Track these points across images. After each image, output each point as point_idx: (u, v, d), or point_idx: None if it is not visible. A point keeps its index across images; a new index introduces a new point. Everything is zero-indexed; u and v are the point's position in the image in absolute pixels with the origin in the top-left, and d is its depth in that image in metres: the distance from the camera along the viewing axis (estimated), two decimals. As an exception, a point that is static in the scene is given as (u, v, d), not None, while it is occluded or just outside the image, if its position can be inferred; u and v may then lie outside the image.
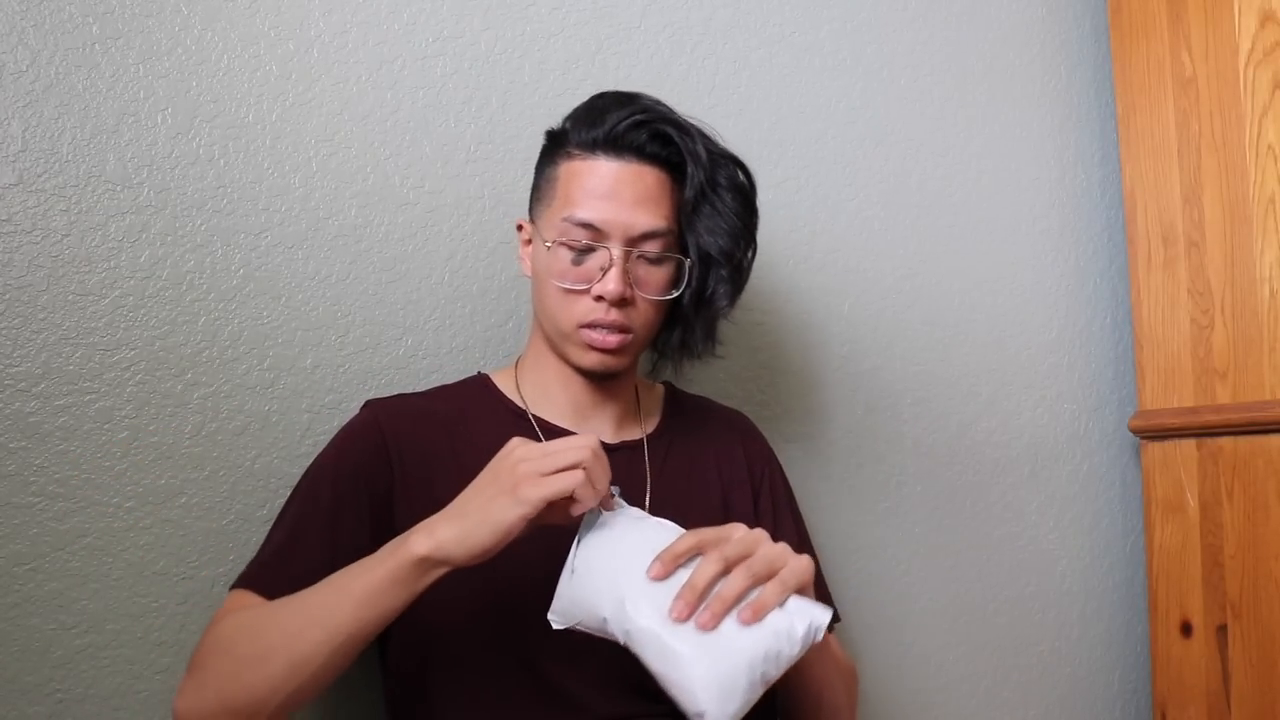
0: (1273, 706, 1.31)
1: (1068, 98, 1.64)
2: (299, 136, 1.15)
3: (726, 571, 0.81)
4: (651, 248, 1.00)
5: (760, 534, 0.84)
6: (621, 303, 0.99)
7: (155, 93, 1.09)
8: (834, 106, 1.46)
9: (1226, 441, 1.39)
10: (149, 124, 1.09)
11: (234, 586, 0.96)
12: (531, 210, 1.07)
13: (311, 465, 1.02)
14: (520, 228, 1.10)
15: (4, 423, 1.01)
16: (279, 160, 1.14)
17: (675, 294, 1.02)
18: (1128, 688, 1.57)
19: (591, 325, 1.00)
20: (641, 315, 1.01)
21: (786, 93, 1.43)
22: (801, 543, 1.17)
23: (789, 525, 1.16)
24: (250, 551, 1.08)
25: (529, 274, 1.07)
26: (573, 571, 0.84)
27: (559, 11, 1.30)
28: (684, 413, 1.16)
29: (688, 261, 1.01)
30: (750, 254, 1.05)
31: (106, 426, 1.04)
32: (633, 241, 0.99)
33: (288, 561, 0.95)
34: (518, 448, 0.84)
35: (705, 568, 0.80)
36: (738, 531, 0.84)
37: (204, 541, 1.07)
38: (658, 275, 1.01)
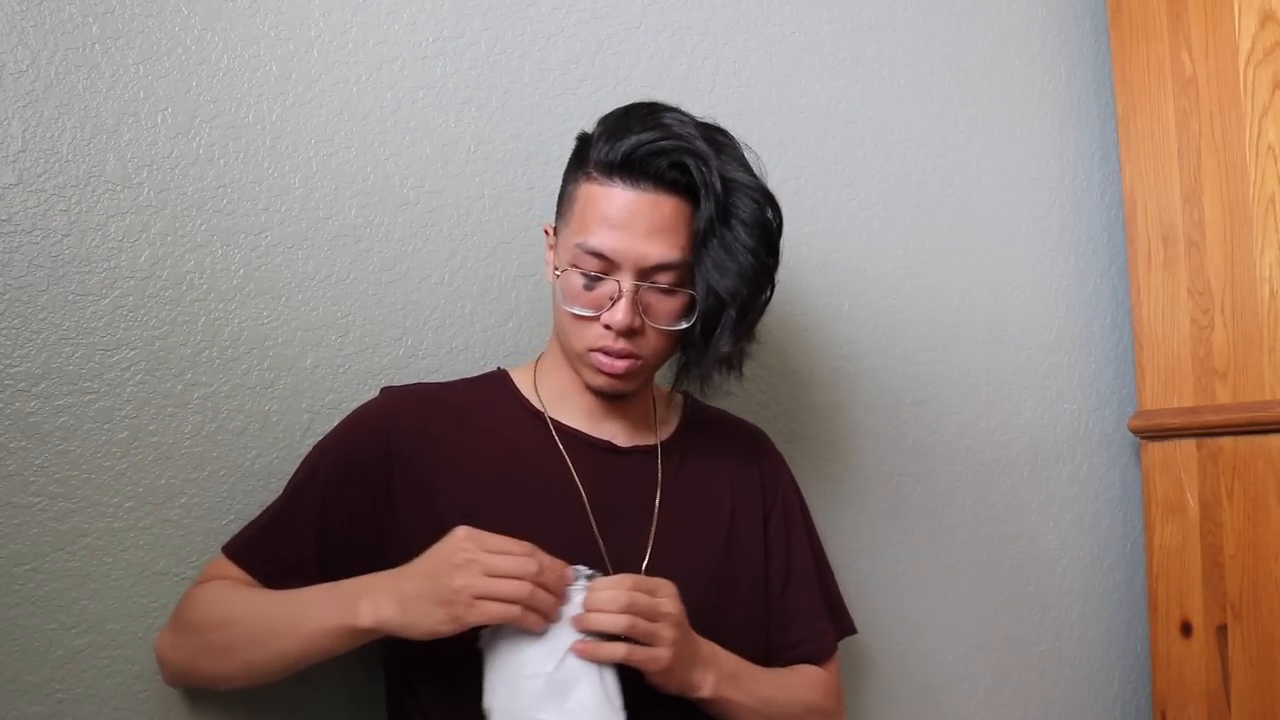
0: (1273, 706, 1.31)
1: (1068, 98, 1.64)
2: (299, 136, 1.15)
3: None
4: (663, 279, 0.98)
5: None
6: (630, 332, 0.98)
7: (155, 93, 1.09)
8: (834, 106, 1.46)
9: (1226, 441, 1.39)
10: (149, 124, 1.09)
11: (225, 550, 1.02)
12: (556, 219, 1.06)
13: (318, 445, 1.05)
14: (547, 233, 1.08)
15: (4, 423, 1.01)
16: (279, 160, 1.14)
17: (685, 325, 1.00)
18: (1128, 688, 1.57)
19: (601, 350, 1.00)
20: (651, 344, 1.01)
21: (786, 93, 1.43)
22: (816, 562, 1.17)
23: (803, 547, 1.16)
24: (250, 551, 1.08)
25: (552, 280, 1.05)
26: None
27: (559, 11, 1.30)
28: (702, 424, 1.15)
29: (697, 296, 0.98)
30: (764, 296, 1.01)
31: (106, 426, 1.04)
32: (644, 273, 0.97)
33: (275, 543, 1.00)
34: (461, 549, 0.86)
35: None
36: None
37: (204, 541, 1.07)
38: (669, 305, 0.99)
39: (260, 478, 1.10)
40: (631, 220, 0.96)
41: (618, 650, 0.88)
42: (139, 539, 1.04)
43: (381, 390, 1.08)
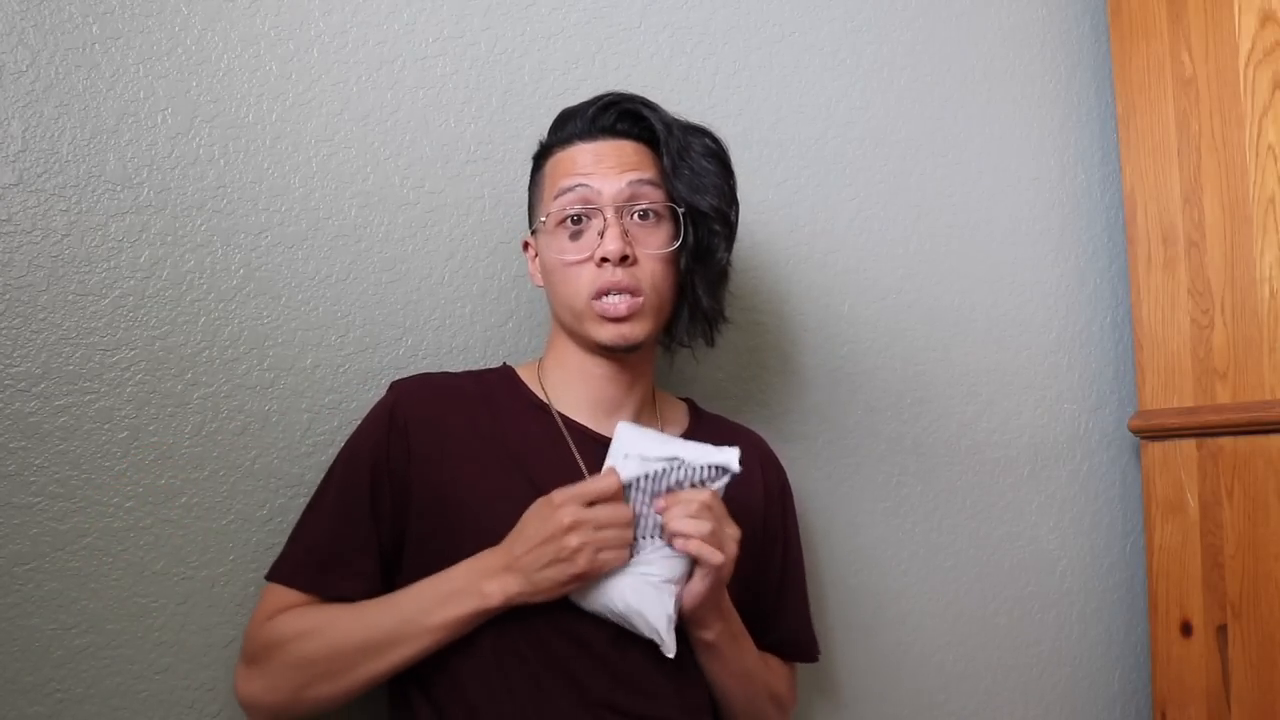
0: (1273, 706, 1.31)
1: (1068, 98, 1.64)
2: (299, 136, 1.15)
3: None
4: (643, 202, 1.03)
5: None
6: (624, 261, 1.01)
7: (155, 93, 1.09)
8: (834, 106, 1.46)
9: (1226, 441, 1.39)
10: (149, 124, 1.09)
11: (275, 580, 1.01)
12: (530, 222, 1.11)
13: (341, 454, 1.05)
14: (526, 246, 1.13)
15: (4, 423, 1.01)
16: (279, 160, 1.14)
17: (675, 245, 1.04)
18: (1128, 688, 1.57)
19: (602, 294, 1.01)
20: (648, 275, 1.03)
21: (786, 93, 1.43)
22: (800, 580, 1.20)
23: (796, 559, 1.19)
24: (250, 551, 1.08)
25: (541, 284, 1.10)
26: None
27: (559, 11, 1.30)
28: (707, 429, 1.16)
29: (682, 210, 1.04)
30: (735, 211, 1.08)
31: (106, 426, 1.04)
32: (623, 201, 1.02)
33: (341, 557, 1.00)
34: (563, 513, 0.92)
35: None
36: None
37: (204, 541, 1.07)
38: (656, 233, 1.04)
39: (260, 478, 1.10)
40: (600, 162, 1.04)
41: (703, 538, 0.93)
42: (139, 539, 1.04)
43: (390, 386, 1.08)
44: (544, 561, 0.91)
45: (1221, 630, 1.38)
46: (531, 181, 1.11)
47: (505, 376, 1.11)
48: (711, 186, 1.04)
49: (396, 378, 1.15)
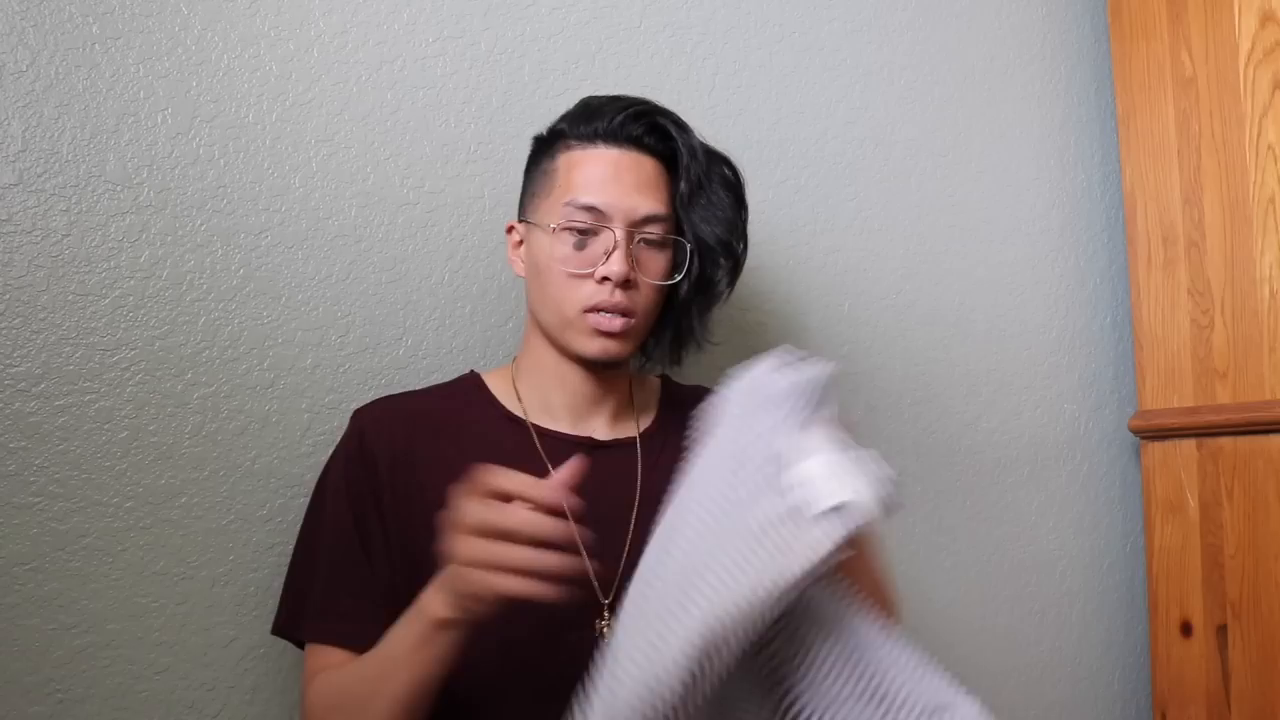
0: (1273, 706, 1.31)
1: (1068, 98, 1.64)
2: (299, 136, 1.15)
3: None
4: (652, 232, 1.02)
5: None
6: (625, 284, 1.00)
7: (155, 93, 1.09)
8: (834, 106, 1.46)
9: (1226, 441, 1.39)
10: (149, 124, 1.09)
11: (314, 641, 0.97)
12: (524, 209, 1.07)
13: (318, 493, 1.02)
14: (510, 229, 1.10)
15: (4, 423, 1.01)
16: (279, 160, 1.14)
17: (677, 278, 1.04)
18: (1128, 688, 1.57)
19: (595, 309, 1.00)
20: (644, 299, 1.02)
21: (786, 93, 1.43)
22: None
23: None
24: (250, 551, 1.08)
25: (522, 274, 1.08)
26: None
27: (559, 11, 1.30)
28: (680, 406, 1.14)
29: (689, 246, 1.03)
30: (744, 246, 1.07)
31: (106, 426, 1.04)
32: (635, 224, 1.01)
33: (350, 600, 0.97)
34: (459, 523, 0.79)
35: None
36: None
37: (204, 541, 1.07)
38: (658, 260, 1.03)
39: (260, 478, 1.10)
40: (619, 175, 1.01)
41: None
42: (139, 539, 1.04)
43: (352, 416, 1.05)
44: (446, 576, 0.82)
45: (1221, 630, 1.38)
46: (535, 165, 1.07)
47: (474, 389, 1.09)
48: (724, 220, 1.03)
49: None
